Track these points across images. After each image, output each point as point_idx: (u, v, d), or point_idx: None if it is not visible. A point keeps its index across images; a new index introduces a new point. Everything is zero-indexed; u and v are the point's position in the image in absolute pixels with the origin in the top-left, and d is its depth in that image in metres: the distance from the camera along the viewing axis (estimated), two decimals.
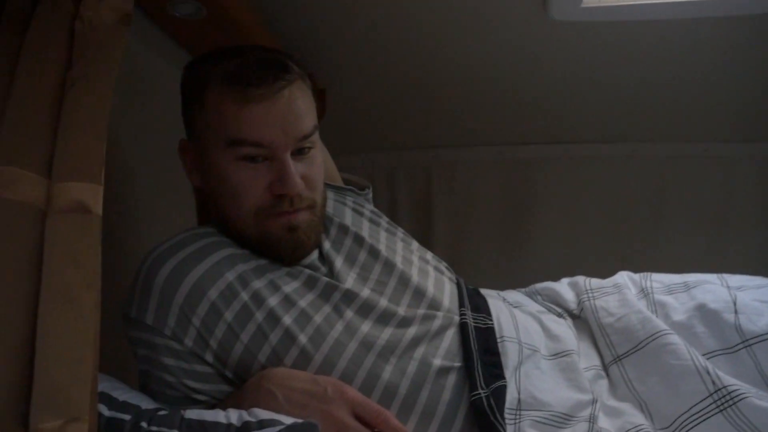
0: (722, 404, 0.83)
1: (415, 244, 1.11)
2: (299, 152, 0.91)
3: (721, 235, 1.84)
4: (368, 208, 1.13)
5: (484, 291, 1.08)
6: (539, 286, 1.13)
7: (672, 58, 1.57)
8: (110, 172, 0.74)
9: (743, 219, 1.81)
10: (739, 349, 0.90)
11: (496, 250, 1.92)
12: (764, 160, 1.81)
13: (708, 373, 0.85)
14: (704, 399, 0.84)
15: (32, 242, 0.63)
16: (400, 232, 1.12)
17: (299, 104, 0.90)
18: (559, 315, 1.06)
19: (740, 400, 0.82)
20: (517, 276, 1.55)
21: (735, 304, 0.94)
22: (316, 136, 0.94)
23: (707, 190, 1.84)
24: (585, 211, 1.90)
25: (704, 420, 0.83)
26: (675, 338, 0.91)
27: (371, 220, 1.09)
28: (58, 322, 0.61)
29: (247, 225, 0.92)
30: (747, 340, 0.90)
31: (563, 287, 1.11)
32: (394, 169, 1.97)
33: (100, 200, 0.65)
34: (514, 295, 1.11)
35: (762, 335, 0.89)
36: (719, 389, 0.83)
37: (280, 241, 0.92)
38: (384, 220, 1.12)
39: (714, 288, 1.00)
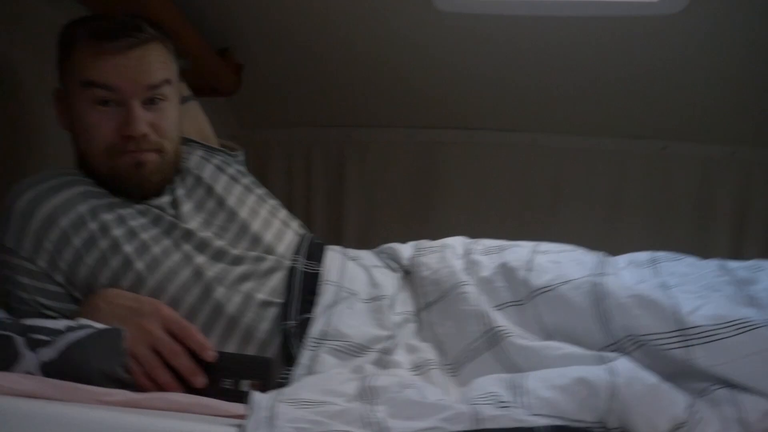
0: (491, 342, 0.96)
1: (271, 203, 1.24)
2: (150, 102, 1.06)
3: (611, 224, 1.98)
4: (235, 167, 1.27)
5: (330, 246, 1.22)
6: (385, 245, 1.26)
7: (559, 53, 1.70)
8: None
9: (630, 207, 1.95)
10: (526, 302, 1.03)
11: (404, 227, 2.04)
12: (653, 157, 1.95)
13: (482, 315, 0.99)
14: (478, 338, 0.98)
15: None
16: (259, 191, 1.25)
17: (150, 59, 1.06)
18: (393, 270, 1.19)
19: (505, 338, 0.95)
20: None
21: (531, 263, 1.08)
22: (168, 91, 1.08)
23: (599, 179, 1.97)
24: (488, 195, 2.03)
25: (477, 356, 0.97)
26: (469, 288, 1.05)
27: (232, 177, 1.22)
28: None
29: (99, 162, 1.06)
30: (532, 292, 1.03)
31: (405, 246, 1.24)
32: (310, 146, 2.10)
33: None
34: (357, 252, 1.24)
35: (542, 288, 1.02)
36: (490, 329, 0.97)
37: (127, 177, 1.06)
38: (247, 180, 1.26)
39: (520, 250, 1.13)
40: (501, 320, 0.98)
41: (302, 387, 0.82)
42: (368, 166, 2.07)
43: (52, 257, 1.00)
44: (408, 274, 1.19)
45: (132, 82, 1.03)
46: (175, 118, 1.11)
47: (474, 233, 2.01)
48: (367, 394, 0.79)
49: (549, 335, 1.00)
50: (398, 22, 1.60)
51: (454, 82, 1.87)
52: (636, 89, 1.80)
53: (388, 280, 1.14)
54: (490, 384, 0.83)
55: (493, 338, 0.96)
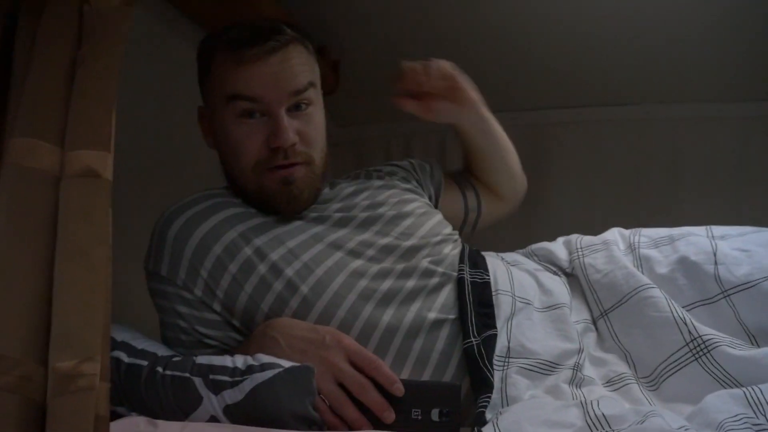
0: (697, 353, 0.87)
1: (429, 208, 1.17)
2: (296, 108, 1.00)
3: (735, 193, 1.85)
4: (395, 175, 1.23)
5: (483, 252, 1.14)
6: (535, 246, 1.18)
7: (674, 17, 1.58)
8: (124, 143, 0.82)
9: (756, 177, 1.81)
10: (719, 299, 0.93)
11: (513, 218, 1.95)
12: None
13: (685, 323, 0.89)
14: (681, 348, 0.88)
15: (48, 205, 0.71)
16: (417, 197, 1.18)
17: (293, 63, 0.99)
18: (554, 273, 1.10)
19: (714, 348, 0.86)
20: (535, 241, 1.60)
21: (715, 255, 0.97)
22: (313, 95, 1.02)
23: (721, 149, 1.84)
24: (601, 174, 1.93)
25: (681, 368, 0.88)
26: (656, 291, 0.95)
27: (387, 184, 1.17)
28: (73, 274, 0.68)
29: (248, 179, 1.00)
30: (726, 290, 0.93)
31: (557, 246, 1.15)
32: (409, 138, 2.02)
33: (109, 166, 0.72)
34: (513, 256, 1.16)
35: (740, 285, 0.92)
36: (695, 338, 0.87)
37: (275, 195, 1.00)
38: (406, 185, 1.20)
39: (697, 240, 1.03)
40: (705, 328, 0.89)
41: (518, 419, 0.74)
42: None
43: (207, 285, 0.95)
44: (569, 276, 1.10)
45: (275, 89, 0.97)
46: (321, 124, 1.04)
47: (589, 219, 1.93)
48: (599, 425, 0.71)
49: (751, 336, 0.90)
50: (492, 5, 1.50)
51: (555, 59, 1.77)
52: (755, 48, 1.65)
53: (558, 286, 1.05)
54: (727, 402, 0.73)
55: (699, 348, 0.87)
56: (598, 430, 0.70)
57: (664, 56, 1.73)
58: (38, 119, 0.73)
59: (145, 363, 0.86)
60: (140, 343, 0.90)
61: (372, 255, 1.00)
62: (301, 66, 1.00)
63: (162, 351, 0.91)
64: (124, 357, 0.87)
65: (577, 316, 1.01)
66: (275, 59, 0.97)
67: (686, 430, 0.67)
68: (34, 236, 0.69)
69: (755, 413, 0.70)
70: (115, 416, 0.81)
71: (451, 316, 0.95)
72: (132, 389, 0.84)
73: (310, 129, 1.01)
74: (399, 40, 1.73)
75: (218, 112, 1.00)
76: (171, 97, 1.35)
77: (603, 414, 0.72)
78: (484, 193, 1.31)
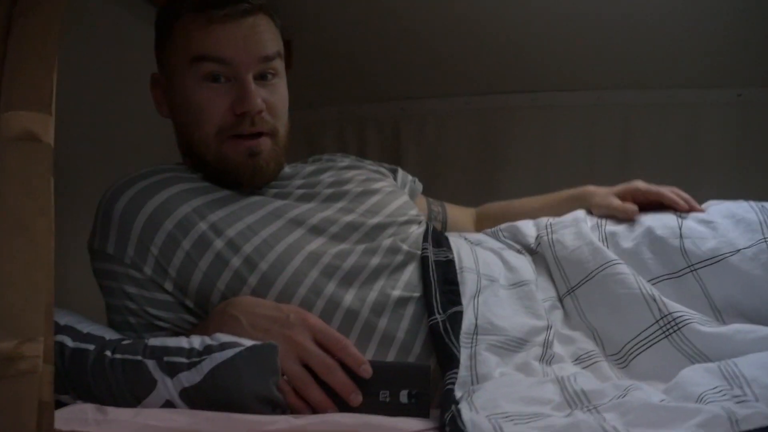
0: (668, 330, 0.86)
1: (394, 188, 1.14)
2: (262, 77, 0.95)
3: (685, 178, 1.86)
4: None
5: (446, 233, 1.11)
6: (502, 225, 1.15)
7: (627, 3, 1.58)
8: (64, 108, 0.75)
9: (705, 162, 1.83)
10: (685, 273, 0.93)
11: (467, 198, 1.93)
12: (726, 105, 1.84)
13: (654, 300, 0.88)
14: (651, 326, 0.87)
15: None
16: (381, 177, 1.16)
17: (262, 29, 0.95)
18: (518, 252, 1.08)
19: (684, 325, 0.85)
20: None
21: (680, 228, 0.97)
22: (279, 66, 0.98)
23: (670, 134, 1.86)
24: (553, 159, 1.91)
25: (651, 345, 0.87)
26: (623, 267, 0.93)
27: (350, 165, 1.15)
28: (11, 248, 0.62)
29: (208, 147, 0.95)
30: (693, 264, 0.92)
31: (525, 224, 1.13)
32: (363, 121, 1.98)
33: (50, 129, 0.66)
34: (476, 236, 1.14)
35: (707, 259, 0.92)
36: (665, 316, 0.86)
37: (239, 166, 0.95)
38: (369, 167, 1.18)
39: (662, 215, 1.02)
40: (674, 305, 0.87)
41: (494, 396, 0.71)
42: (425, 138, 1.95)
43: (158, 263, 0.89)
44: (535, 254, 1.08)
45: (246, 52, 0.92)
46: (286, 97, 1.00)
47: None
48: (578, 400, 0.68)
49: (717, 311, 0.90)
50: None
51: (510, 44, 1.75)
52: (712, 34, 1.68)
53: (523, 264, 1.03)
54: (704, 376, 0.72)
55: (669, 325, 0.86)
56: (578, 405, 0.68)
57: (616, 43, 1.74)
58: None
59: (91, 347, 0.79)
60: (86, 327, 0.84)
61: (335, 232, 0.96)
62: (269, 33, 0.97)
63: (110, 335, 0.84)
64: (69, 341, 0.80)
65: (543, 294, 0.99)
66: (246, 23, 0.93)
67: (668, 402, 0.65)
68: None
69: (731, 386, 0.69)
70: (59, 405, 0.74)
71: (416, 294, 0.92)
72: (78, 375, 0.78)
73: (276, 99, 0.97)
74: (351, 21, 1.69)
75: (178, 77, 0.95)
76: (118, 71, 1.28)
77: (582, 389, 0.70)
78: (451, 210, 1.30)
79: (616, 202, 1.07)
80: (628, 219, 1.04)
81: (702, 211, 1.02)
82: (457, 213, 1.31)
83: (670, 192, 1.06)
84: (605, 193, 1.11)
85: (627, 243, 1.00)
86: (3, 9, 0.70)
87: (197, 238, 0.89)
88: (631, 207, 1.05)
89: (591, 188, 1.16)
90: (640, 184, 1.09)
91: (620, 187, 1.11)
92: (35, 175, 0.64)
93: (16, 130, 0.64)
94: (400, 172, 1.25)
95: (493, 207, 1.34)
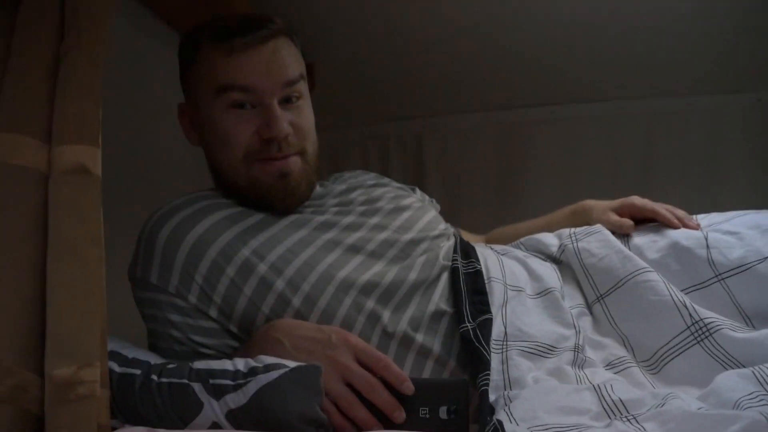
0: (699, 336, 0.86)
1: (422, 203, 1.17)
2: (287, 101, 0.96)
3: (708, 185, 1.88)
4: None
5: (473, 243, 1.13)
6: (522, 239, 1.17)
7: (644, 13, 1.60)
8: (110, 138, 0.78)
9: (728, 168, 1.84)
10: (712, 283, 0.93)
11: (491, 213, 1.96)
12: (747, 110, 1.84)
13: (686, 306, 0.89)
14: (682, 332, 0.88)
15: (36, 204, 0.67)
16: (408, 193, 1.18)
17: (284, 54, 0.96)
18: (543, 260, 1.10)
19: (716, 331, 0.85)
20: None
21: (707, 239, 0.98)
22: (303, 88, 0.99)
23: (693, 141, 1.86)
24: (575, 171, 1.94)
25: (683, 351, 0.87)
26: (653, 275, 0.94)
27: (378, 183, 1.18)
28: (66, 275, 0.64)
29: (238, 172, 0.96)
30: (720, 273, 0.93)
31: (546, 235, 1.14)
32: (386, 140, 2.01)
33: (98, 161, 0.69)
34: (501, 246, 1.15)
35: (735, 268, 0.92)
36: (696, 322, 0.87)
37: (270, 189, 0.97)
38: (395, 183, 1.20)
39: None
40: (705, 311, 0.88)
41: (532, 407, 0.72)
42: (448, 155, 1.98)
43: (203, 291, 0.90)
44: (559, 264, 1.09)
45: (269, 79, 0.94)
46: (312, 117, 1.02)
47: None
48: (617, 410, 0.69)
49: (746, 318, 0.90)
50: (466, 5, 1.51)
51: (527, 58, 1.78)
52: (724, 41, 1.69)
53: (548, 272, 1.04)
54: (738, 382, 0.73)
55: (701, 331, 0.87)
56: (616, 415, 0.69)
57: (634, 52, 1.76)
58: (22, 115, 0.69)
59: (138, 372, 0.81)
60: (130, 353, 0.86)
61: (372, 249, 0.98)
62: (291, 57, 0.98)
63: (154, 359, 0.86)
64: (115, 366, 0.82)
65: (571, 301, 1.00)
66: (267, 49, 0.94)
67: (706, 410, 0.66)
68: (23, 237, 0.65)
69: (767, 390, 0.69)
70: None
71: (449, 309, 0.94)
72: (125, 400, 0.79)
73: (302, 120, 0.98)
74: (374, 42, 1.72)
75: (205, 106, 0.96)
76: (144, 98, 1.31)
77: (620, 399, 0.71)
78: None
79: (614, 217, 1.10)
80: (623, 234, 1.07)
81: (697, 228, 1.03)
82: (469, 239, 1.33)
83: (664, 210, 1.07)
84: (603, 208, 1.13)
85: (653, 254, 1.01)
86: (51, 46, 0.74)
87: (241, 264, 0.91)
88: (628, 222, 1.08)
89: (590, 202, 1.19)
90: (636, 200, 1.11)
91: (617, 202, 1.13)
92: (87, 206, 0.67)
93: (68, 163, 0.67)
94: (418, 192, 1.27)
95: (500, 231, 1.36)
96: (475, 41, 1.73)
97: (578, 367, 0.87)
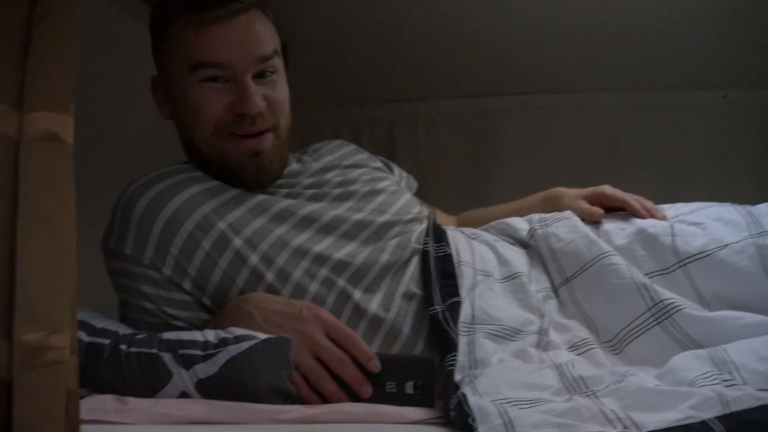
0: (659, 317, 0.90)
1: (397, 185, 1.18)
2: (261, 75, 0.96)
3: (673, 179, 1.92)
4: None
5: (444, 226, 1.14)
6: (492, 222, 1.19)
7: (616, 6, 1.62)
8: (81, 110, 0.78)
9: (693, 163, 1.88)
10: (675, 269, 0.96)
11: (460, 198, 1.97)
12: (712, 107, 1.89)
13: (646, 289, 0.92)
14: (643, 313, 0.91)
15: (6, 171, 0.66)
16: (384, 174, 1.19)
17: (257, 27, 0.95)
18: (512, 244, 1.12)
19: (676, 312, 0.89)
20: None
21: (672, 227, 1.01)
22: (278, 63, 0.99)
23: (659, 135, 1.90)
24: (545, 159, 1.96)
25: (644, 332, 0.90)
26: (617, 259, 0.97)
27: (357, 163, 1.18)
28: (36, 242, 0.64)
29: (209, 145, 0.96)
30: (682, 260, 0.96)
31: (516, 219, 1.16)
32: (357, 123, 2.01)
33: (70, 130, 0.68)
34: (471, 230, 1.17)
35: (696, 255, 0.95)
36: (656, 303, 0.90)
37: (242, 166, 0.97)
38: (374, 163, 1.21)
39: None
40: (665, 292, 0.91)
41: (496, 383, 0.75)
42: (418, 140, 1.99)
43: (177, 263, 0.91)
44: (528, 248, 1.11)
45: (242, 54, 0.93)
46: (286, 91, 1.01)
47: None
48: (577, 386, 0.72)
49: (706, 303, 0.94)
50: None
51: (501, 47, 1.79)
52: (692, 37, 1.72)
53: (516, 256, 1.06)
54: (694, 362, 0.76)
55: (661, 312, 0.90)
56: (576, 391, 0.71)
57: (606, 46, 1.78)
58: None
59: (106, 341, 0.82)
60: (99, 322, 0.86)
61: (346, 230, 0.99)
62: (265, 32, 0.97)
63: (123, 329, 0.86)
64: (84, 336, 0.82)
65: (537, 285, 1.03)
66: (239, 22, 0.93)
67: (662, 387, 0.69)
68: None
69: (721, 371, 0.73)
70: None
71: (419, 292, 0.95)
72: (93, 369, 0.79)
73: (276, 94, 0.98)
74: (345, 24, 1.72)
75: (178, 81, 0.95)
76: (117, 70, 1.30)
77: (580, 375, 0.73)
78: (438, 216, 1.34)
79: (585, 205, 1.12)
80: (593, 222, 1.09)
81: (664, 218, 1.05)
82: (443, 219, 1.35)
83: (633, 200, 1.10)
84: (574, 196, 1.16)
85: (620, 240, 1.03)
86: (23, 14, 0.73)
87: (217, 238, 0.91)
88: (598, 211, 1.10)
89: (561, 190, 1.21)
90: (607, 189, 1.13)
91: (588, 191, 1.15)
92: (58, 174, 0.66)
93: (39, 130, 0.66)
94: (396, 169, 1.28)
95: (472, 213, 1.38)
96: (450, 29, 1.73)
97: (542, 349, 0.89)
